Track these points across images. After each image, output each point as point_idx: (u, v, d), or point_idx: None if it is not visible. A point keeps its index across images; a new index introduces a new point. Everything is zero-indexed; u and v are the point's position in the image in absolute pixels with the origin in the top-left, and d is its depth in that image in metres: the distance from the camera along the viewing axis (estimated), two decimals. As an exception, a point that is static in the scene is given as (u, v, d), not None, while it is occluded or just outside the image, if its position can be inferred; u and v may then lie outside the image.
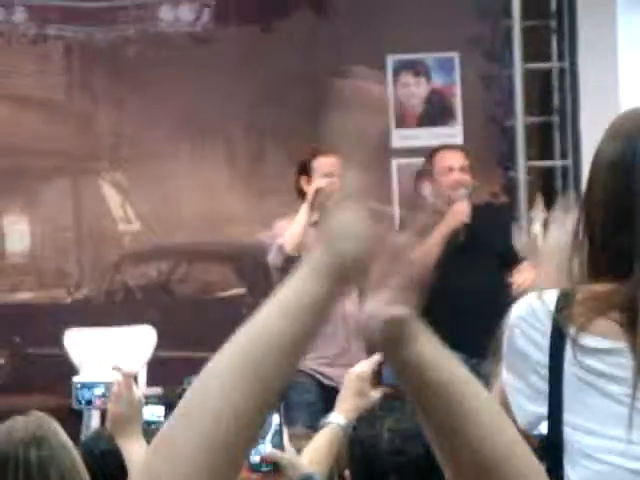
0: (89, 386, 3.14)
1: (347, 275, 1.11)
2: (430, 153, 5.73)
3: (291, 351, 1.09)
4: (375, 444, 2.54)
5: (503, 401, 1.70)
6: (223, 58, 6.59)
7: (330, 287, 1.11)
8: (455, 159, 5.62)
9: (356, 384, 2.80)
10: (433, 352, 1.15)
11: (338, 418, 2.77)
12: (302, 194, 5.44)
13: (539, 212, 2.03)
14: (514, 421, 1.62)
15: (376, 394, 2.78)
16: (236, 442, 1.06)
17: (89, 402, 3.14)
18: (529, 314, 1.64)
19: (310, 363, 5.37)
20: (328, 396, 5.21)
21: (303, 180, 5.42)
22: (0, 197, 6.71)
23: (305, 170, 5.42)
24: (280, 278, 5.67)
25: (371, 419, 2.62)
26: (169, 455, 1.05)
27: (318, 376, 5.38)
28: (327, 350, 5.34)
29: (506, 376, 1.67)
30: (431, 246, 5.43)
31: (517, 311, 1.67)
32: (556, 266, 1.96)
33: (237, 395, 1.06)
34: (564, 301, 1.61)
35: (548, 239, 2.01)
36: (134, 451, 2.78)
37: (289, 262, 5.21)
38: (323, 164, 5.43)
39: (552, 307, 1.63)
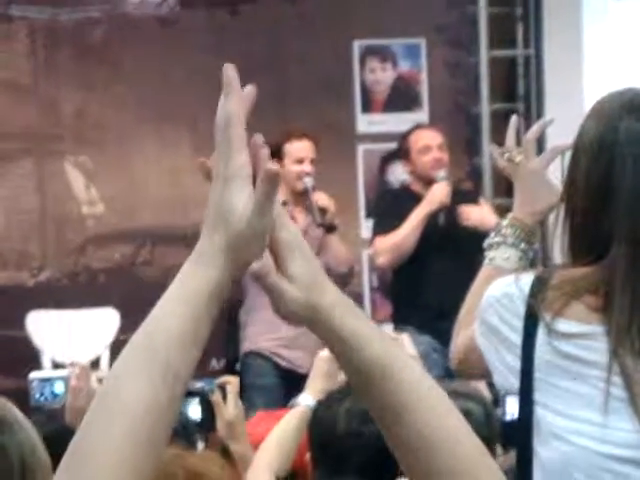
0: (47, 381, 3.09)
1: (242, 253, 1.12)
2: (405, 134, 5.68)
3: (194, 337, 1.10)
4: (332, 426, 2.55)
5: (471, 346, 1.72)
6: (190, 41, 6.57)
7: (226, 268, 1.12)
8: (432, 137, 5.56)
9: (325, 365, 2.81)
10: (356, 325, 1.13)
11: (307, 399, 2.78)
12: None
13: (512, 137, 2.04)
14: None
15: (343, 376, 2.79)
16: (152, 436, 1.05)
17: (48, 398, 3.08)
18: (504, 296, 1.66)
19: (267, 345, 5.36)
20: (286, 378, 5.22)
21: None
22: (-37, 179, 6.66)
23: (277, 153, 5.42)
24: None
25: (328, 402, 2.63)
26: (86, 463, 1.04)
27: (275, 358, 5.36)
28: (284, 331, 5.33)
29: (481, 342, 1.68)
30: (411, 228, 5.37)
31: (492, 291, 1.68)
32: (531, 191, 1.97)
33: (145, 388, 1.06)
34: (539, 285, 1.63)
35: (523, 163, 2.01)
36: None
37: None
38: (297, 148, 5.44)
39: (527, 291, 1.64)
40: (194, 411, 3.09)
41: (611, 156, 1.64)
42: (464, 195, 5.70)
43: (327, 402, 2.64)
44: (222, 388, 3.04)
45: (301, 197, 5.42)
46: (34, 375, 3.19)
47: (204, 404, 3.07)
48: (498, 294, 1.67)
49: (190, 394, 3.10)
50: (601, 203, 1.63)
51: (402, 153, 5.68)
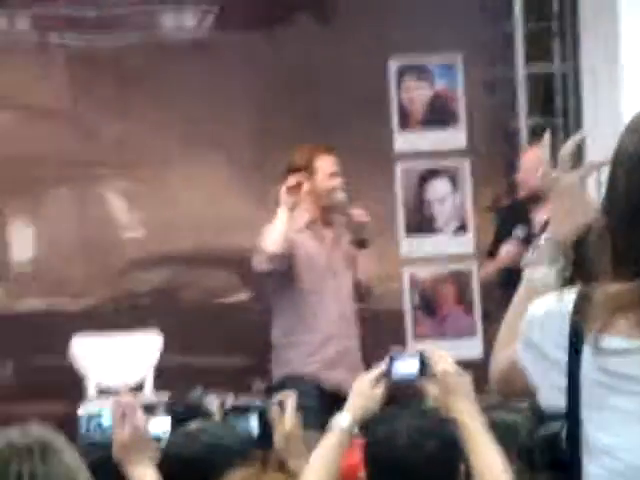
0: (95, 415, 3.09)
1: None
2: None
3: None
4: (393, 441, 2.57)
5: (512, 365, 1.71)
6: (226, 64, 6.60)
7: None
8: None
9: (364, 386, 2.82)
10: None
11: (346, 418, 2.79)
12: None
13: (547, 153, 1.99)
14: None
15: (379, 391, 2.79)
16: None
17: (96, 431, 3.08)
18: (547, 314, 1.65)
19: (310, 368, 5.29)
20: (329, 401, 5.13)
21: (302, 180, 5.34)
22: (6, 206, 6.71)
23: (306, 169, 5.36)
24: (270, 282, 5.55)
25: (388, 417, 2.65)
26: None
27: (319, 382, 5.28)
28: (325, 353, 5.29)
29: (525, 360, 1.67)
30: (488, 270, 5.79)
31: (535, 310, 1.67)
32: (567, 207, 1.94)
33: None
34: (582, 302, 1.62)
35: (558, 180, 1.97)
36: (145, 478, 2.74)
37: (276, 262, 5.15)
38: (328, 163, 5.39)
39: (570, 308, 1.63)
40: (252, 427, 3.11)
41: None
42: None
43: (386, 418, 2.66)
44: (280, 404, 3.05)
45: (328, 212, 5.37)
46: (83, 410, 3.21)
47: (262, 420, 3.09)
48: (541, 312, 1.66)
49: (248, 410, 3.12)
50: None
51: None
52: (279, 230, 5.16)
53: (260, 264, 5.21)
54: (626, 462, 1.59)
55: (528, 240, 5.44)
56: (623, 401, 1.59)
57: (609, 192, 1.67)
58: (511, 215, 5.80)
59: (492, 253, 5.87)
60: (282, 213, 5.20)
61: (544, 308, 1.66)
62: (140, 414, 2.78)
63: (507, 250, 5.60)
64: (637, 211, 1.62)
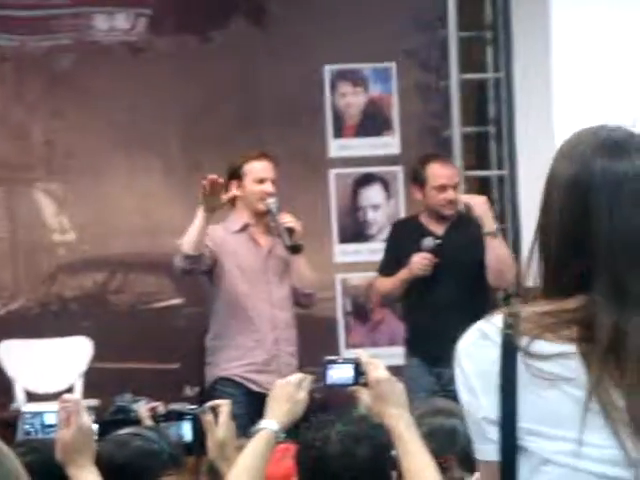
0: (39, 415, 3.06)
1: None
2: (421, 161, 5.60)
3: None
4: (325, 447, 2.57)
5: None
6: (159, 68, 6.56)
7: None
8: (447, 176, 5.50)
9: (283, 389, 2.81)
10: None
11: (271, 424, 2.78)
12: (234, 199, 5.39)
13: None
14: None
15: (303, 395, 2.80)
16: None
17: (38, 430, 3.05)
18: (478, 337, 1.65)
19: (238, 370, 5.33)
20: (256, 403, 5.16)
21: (234, 185, 5.37)
22: None
23: (235, 175, 5.38)
24: (205, 285, 5.53)
25: (320, 423, 2.65)
26: None
27: (247, 383, 5.33)
28: (256, 356, 5.32)
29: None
30: (396, 283, 5.54)
31: (465, 341, 1.66)
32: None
33: None
34: (512, 319, 1.63)
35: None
36: None
37: (190, 262, 5.18)
38: (256, 169, 5.40)
39: (500, 325, 1.64)
40: (186, 433, 3.12)
41: (586, 197, 1.65)
42: (468, 221, 5.68)
43: (318, 424, 2.66)
44: (213, 410, 3.07)
45: (263, 218, 5.37)
46: (25, 409, 3.18)
47: (195, 427, 3.10)
48: (472, 338, 1.66)
49: (181, 416, 3.13)
50: (577, 241, 1.64)
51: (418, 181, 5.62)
52: (193, 231, 5.19)
53: (176, 263, 5.25)
54: (566, 467, 1.59)
55: (435, 251, 5.43)
56: (558, 404, 1.60)
57: (543, 217, 1.68)
58: (408, 229, 5.67)
59: (389, 267, 5.56)
60: (199, 214, 5.22)
61: (474, 333, 1.65)
62: (85, 414, 2.76)
63: (419, 260, 5.43)
64: (572, 236, 1.64)
